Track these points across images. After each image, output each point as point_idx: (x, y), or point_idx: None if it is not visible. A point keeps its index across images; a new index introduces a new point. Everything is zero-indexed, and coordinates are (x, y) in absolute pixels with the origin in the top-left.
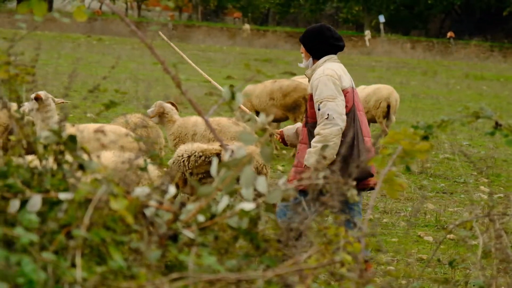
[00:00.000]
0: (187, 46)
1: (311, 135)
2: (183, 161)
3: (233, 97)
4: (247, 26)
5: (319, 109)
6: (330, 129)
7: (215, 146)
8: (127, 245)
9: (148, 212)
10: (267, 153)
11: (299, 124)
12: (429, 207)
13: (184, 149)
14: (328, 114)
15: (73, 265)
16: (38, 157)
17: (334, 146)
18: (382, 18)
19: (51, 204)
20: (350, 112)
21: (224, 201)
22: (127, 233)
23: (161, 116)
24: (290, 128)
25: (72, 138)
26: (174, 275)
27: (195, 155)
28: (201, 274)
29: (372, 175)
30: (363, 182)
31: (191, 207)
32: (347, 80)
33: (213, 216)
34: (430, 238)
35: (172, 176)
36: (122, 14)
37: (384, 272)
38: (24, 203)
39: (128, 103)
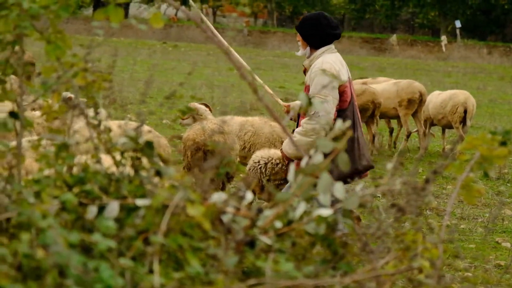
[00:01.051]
0: (262, 52)
1: None
2: (260, 167)
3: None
4: None
5: None
6: (313, 125)
7: None
8: (204, 251)
9: (225, 218)
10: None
11: None
12: (507, 213)
13: (260, 155)
14: (315, 112)
15: (151, 271)
16: (115, 163)
17: (311, 143)
18: (458, 23)
19: (128, 210)
20: (350, 105)
21: (301, 207)
22: (204, 239)
23: (195, 117)
24: (297, 104)
25: (149, 144)
26: (251, 281)
27: (272, 163)
28: (279, 280)
29: (373, 167)
30: (362, 175)
31: (268, 213)
32: (345, 73)
33: (290, 222)
34: (508, 244)
35: (249, 183)
36: (198, 20)
37: (462, 278)
38: (101, 209)
39: None
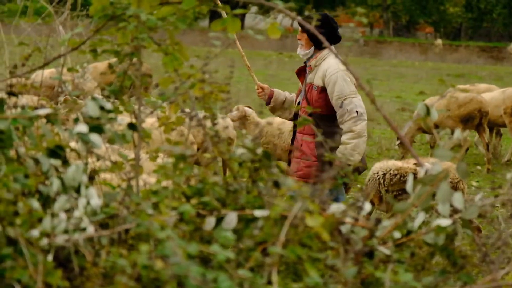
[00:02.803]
0: (378, 62)
1: (317, 127)
2: (379, 178)
3: (428, 113)
4: (439, 41)
5: (341, 106)
6: (361, 124)
7: (410, 164)
8: (323, 262)
9: (344, 228)
10: (463, 168)
11: (287, 94)
12: None
13: (379, 166)
14: (357, 112)
15: (269, 282)
16: (233, 174)
17: (365, 140)
18: None
19: (246, 221)
20: None
21: (420, 217)
22: (323, 250)
23: (243, 119)
24: (280, 93)
25: (267, 155)
26: None
27: (390, 173)
28: None
29: (366, 168)
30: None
31: (387, 223)
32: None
33: (409, 232)
34: None
35: (367, 193)
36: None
37: None
38: (219, 220)
39: None
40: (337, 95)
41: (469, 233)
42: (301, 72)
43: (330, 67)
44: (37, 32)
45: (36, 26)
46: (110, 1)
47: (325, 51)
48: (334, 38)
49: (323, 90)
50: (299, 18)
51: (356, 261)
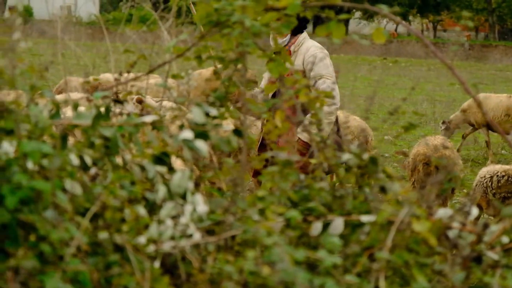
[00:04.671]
0: (484, 66)
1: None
2: (486, 182)
3: None
4: None
5: (314, 85)
6: (330, 107)
7: None
8: (431, 267)
9: (451, 234)
10: None
11: (260, 97)
12: None
13: (486, 170)
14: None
15: (377, 287)
16: (340, 179)
17: (330, 124)
18: None
19: (353, 226)
20: None
21: None
22: (430, 255)
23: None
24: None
25: (373, 160)
26: None
27: (497, 176)
28: None
29: None
30: None
31: (495, 228)
32: None
33: None
34: None
35: (474, 198)
36: (420, 35)
37: None
38: (326, 226)
39: (425, 125)
40: (313, 74)
41: None
42: None
43: (310, 48)
44: (142, 39)
45: (141, 33)
46: (214, 8)
47: (301, 36)
48: (305, 24)
49: (303, 74)
50: (404, 22)
51: (464, 266)
